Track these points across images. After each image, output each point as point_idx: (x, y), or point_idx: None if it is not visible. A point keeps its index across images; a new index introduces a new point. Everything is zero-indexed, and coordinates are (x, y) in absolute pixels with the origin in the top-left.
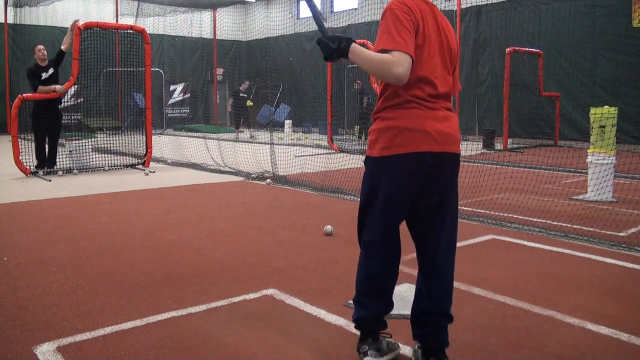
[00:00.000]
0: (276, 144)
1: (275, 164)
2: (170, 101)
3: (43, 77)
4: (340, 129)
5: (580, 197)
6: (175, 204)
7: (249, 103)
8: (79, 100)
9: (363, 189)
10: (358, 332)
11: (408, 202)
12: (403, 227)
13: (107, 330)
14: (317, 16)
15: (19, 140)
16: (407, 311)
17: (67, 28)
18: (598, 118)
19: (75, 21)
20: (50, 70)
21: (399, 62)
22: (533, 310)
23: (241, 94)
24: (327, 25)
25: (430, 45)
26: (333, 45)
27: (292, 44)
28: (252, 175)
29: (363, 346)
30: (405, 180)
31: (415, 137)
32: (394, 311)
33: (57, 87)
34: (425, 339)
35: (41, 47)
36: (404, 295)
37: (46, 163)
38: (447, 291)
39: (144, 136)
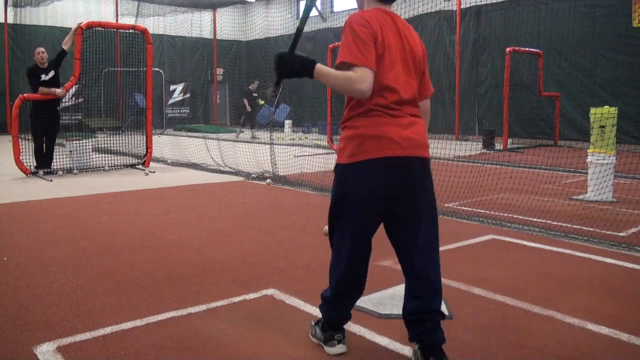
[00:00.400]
0: (276, 144)
1: (275, 164)
2: (170, 101)
3: (42, 79)
4: (340, 129)
5: (580, 197)
6: (175, 204)
7: (261, 102)
8: (79, 100)
9: (332, 195)
10: (357, 330)
11: (377, 210)
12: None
13: (107, 330)
14: (299, 35)
15: (19, 140)
16: None
17: (67, 28)
18: (598, 118)
19: (80, 23)
20: (51, 73)
21: (362, 79)
22: (533, 310)
23: (254, 94)
24: (327, 25)
25: (391, 54)
26: (297, 66)
27: None
28: (252, 175)
29: (338, 334)
30: (373, 185)
31: (380, 143)
32: (394, 311)
33: (58, 90)
34: (420, 338)
35: (41, 49)
36: (403, 296)
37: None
38: (434, 290)
39: (144, 136)
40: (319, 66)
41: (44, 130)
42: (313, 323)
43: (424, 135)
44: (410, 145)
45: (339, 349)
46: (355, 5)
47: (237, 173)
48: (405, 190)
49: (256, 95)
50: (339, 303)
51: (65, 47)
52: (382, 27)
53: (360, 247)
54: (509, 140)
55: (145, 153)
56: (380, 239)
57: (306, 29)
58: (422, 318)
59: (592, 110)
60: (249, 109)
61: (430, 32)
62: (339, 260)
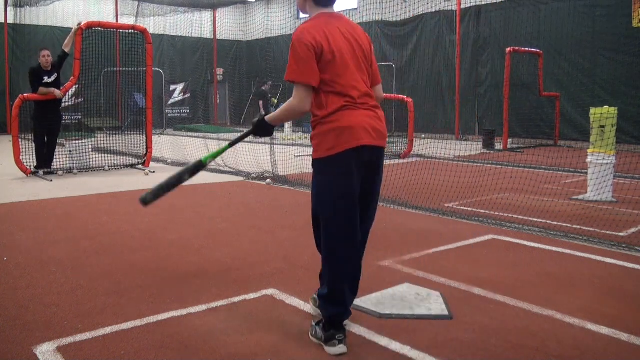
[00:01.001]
0: (276, 144)
1: (275, 164)
2: (170, 101)
3: (45, 81)
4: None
5: (580, 197)
6: (175, 204)
7: (274, 101)
8: (79, 100)
9: (316, 192)
10: (357, 330)
11: (357, 194)
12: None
13: (107, 330)
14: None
15: (20, 140)
16: (407, 311)
17: (67, 28)
18: (598, 118)
19: (79, 24)
20: (54, 76)
21: (298, 101)
22: (533, 310)
23: (268, 95)
24: None
25: (343, 56)
26: (261, 131)
27: None
28: (252, 175)
29: (339, 335)
30: (352, 172)
31: (357, 133)
32: (394, 311)
33: (57, 92)
34: None
35: (47, 53)
36: (404, 296)
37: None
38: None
39: (144, 136)
40: (268, 118)
41: (46, 130)
42: (314, 323)
43: (385, 128)
44: (378, 136)
45: (340, 349)
46: (355, 5)
47: (237, 173)
48: (371, 174)
49: (270, 95)
50: (338, 297)
51: (66, 49)
52: (328, 34)
53: (353, 234)
54: (509, 140)
55: (145, 153)
56: (379, 239)
57: None
58: None
59: (592, 110)
60: (263, 112)
61: (430, 32)
62: (338, 255)
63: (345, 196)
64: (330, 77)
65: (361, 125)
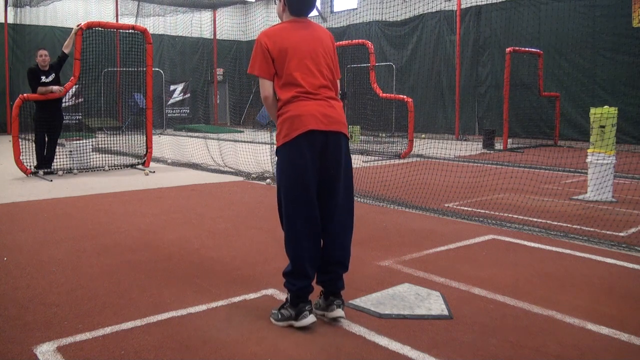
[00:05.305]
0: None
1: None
2: (170, 101)
3: (43, 81)
4: None
5: (580, 197)
6: (175, 204)
7: None
8: (79, 100)
9: (277, 177)
10: (357, 330)
11: (312, 178)
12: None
13: (107, 330)
14: None
15: (20, 140)
16: (407, 311)
17: (67, 28)
18: (598, 118)
19: (79, 25)
20: (52, 76)
21: (260, 89)
22: (533, 310)
23: None
24: (327, 25)
25: (297, 54)
26: None
27: None
28: (252, 175)
29: (307, 306)
30: (304, 156)
31: (306, 120)
32: (394, 311)
33: (55, 87)
34: (325, 284)
35: (44, 52)
36: (404, 296)
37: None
38: (344, 246)
39: (144, 136)
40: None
41: (47, 130)
42: (275, 310)
43: (341, 114)
44: (329, 122)
45: (311, 318)
46: (355, 5)
47: (237, 173)
48: (328, 161)
49: None
50: (302, 272)
51: (65, 50)
52: (284, 37)
53: (309, 213)
54: (509, 140)
55: (145, 153)
56: (380, 239)
57: None
58: (330, 269)
59: (592, 110)
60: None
61: (430, 32)
62: (295, 233)
63: (299, 179)
64: (284, 72)
65: (310, 113)
